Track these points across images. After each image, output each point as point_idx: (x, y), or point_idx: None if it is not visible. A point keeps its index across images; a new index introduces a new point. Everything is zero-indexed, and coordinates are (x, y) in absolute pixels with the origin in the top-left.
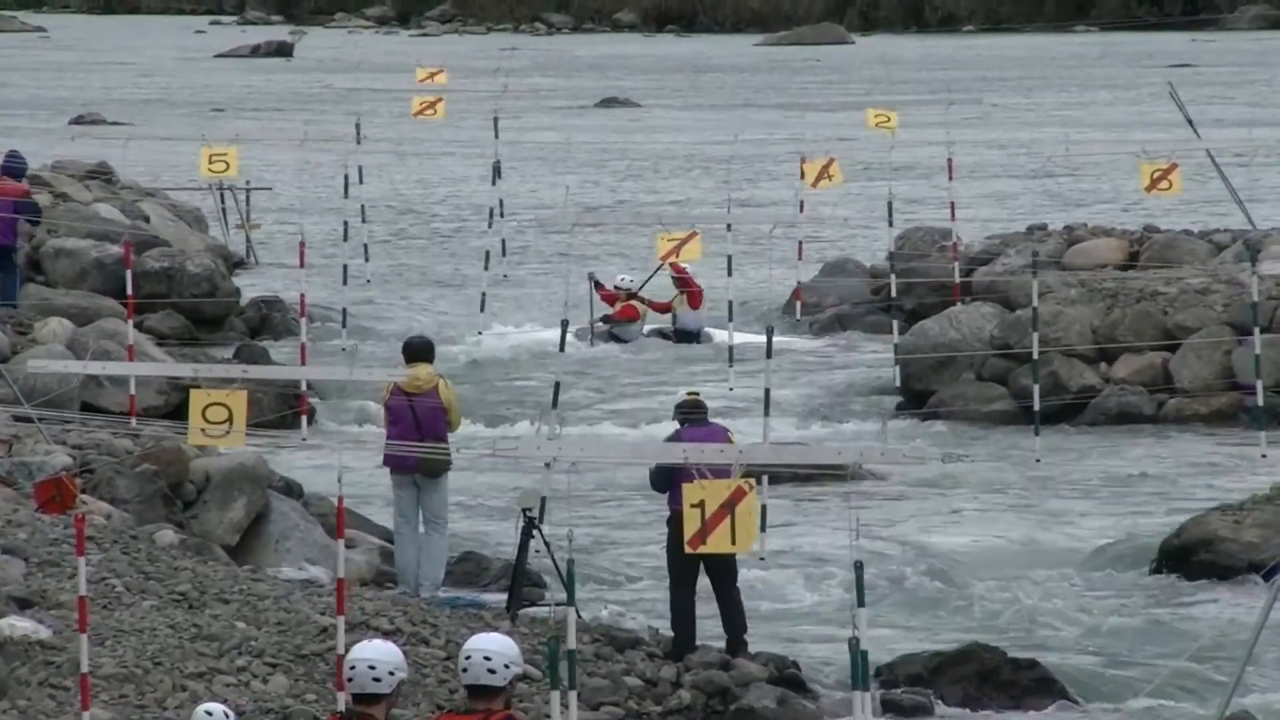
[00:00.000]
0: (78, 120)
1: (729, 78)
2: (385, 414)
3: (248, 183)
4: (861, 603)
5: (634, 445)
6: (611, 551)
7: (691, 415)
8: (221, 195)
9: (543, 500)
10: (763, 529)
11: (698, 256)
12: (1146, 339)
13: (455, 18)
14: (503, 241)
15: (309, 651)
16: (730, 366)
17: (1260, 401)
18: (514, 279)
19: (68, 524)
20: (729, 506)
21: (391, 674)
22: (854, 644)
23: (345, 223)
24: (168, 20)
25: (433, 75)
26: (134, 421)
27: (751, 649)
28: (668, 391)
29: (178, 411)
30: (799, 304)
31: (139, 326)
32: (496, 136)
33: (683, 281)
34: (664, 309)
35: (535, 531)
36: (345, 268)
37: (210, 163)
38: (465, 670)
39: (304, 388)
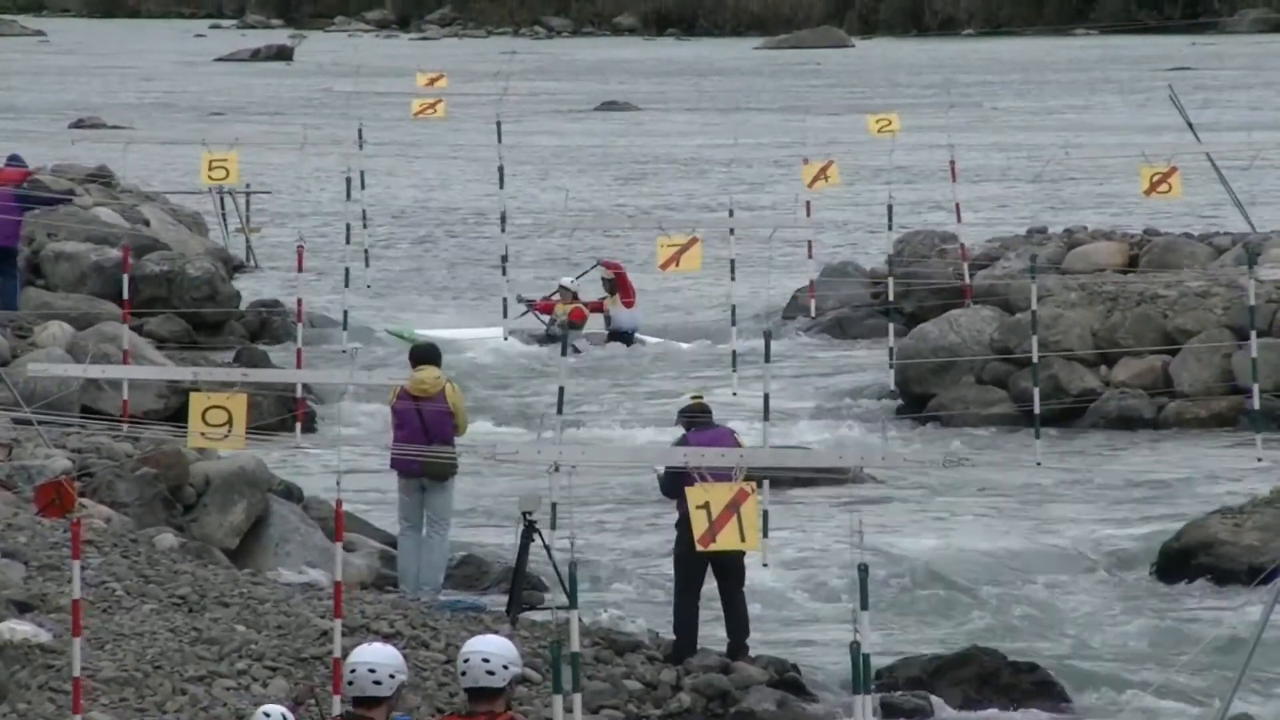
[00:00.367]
0: (78, 124)
1: (729, 81)
2: (391, 417)
3: (248, 186)
4: (864, 606)
5: (634, 449)
6: (611, 554)
7: (696, 419)
8: (221, 199)
9: (553, 506)
10: (764, 534)
11: (697, 266)
12: (1146, 342)
13: (455, 21)
14: (505, 247)
15: (309, 655)
16: (734, 372)
17: (1256, 405)
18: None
19: (67, 527)
20: (733, 507)
21: (392, 677)
22: (855, 647)
23: (348, 225)
24: (167, 24)
25: (433, 80)
26: (125, 428)
27: (752, 652)
28: (668, 395)
29: (178, 415)
30: (812, 301)
31: (139, 330)
32: (499, 141)
33: (619, 280)
34: (598, 308)
35: (535, 535)
36: (347, 270)
37: (210, 169)
38: (464, 673)
39: (299, 392)
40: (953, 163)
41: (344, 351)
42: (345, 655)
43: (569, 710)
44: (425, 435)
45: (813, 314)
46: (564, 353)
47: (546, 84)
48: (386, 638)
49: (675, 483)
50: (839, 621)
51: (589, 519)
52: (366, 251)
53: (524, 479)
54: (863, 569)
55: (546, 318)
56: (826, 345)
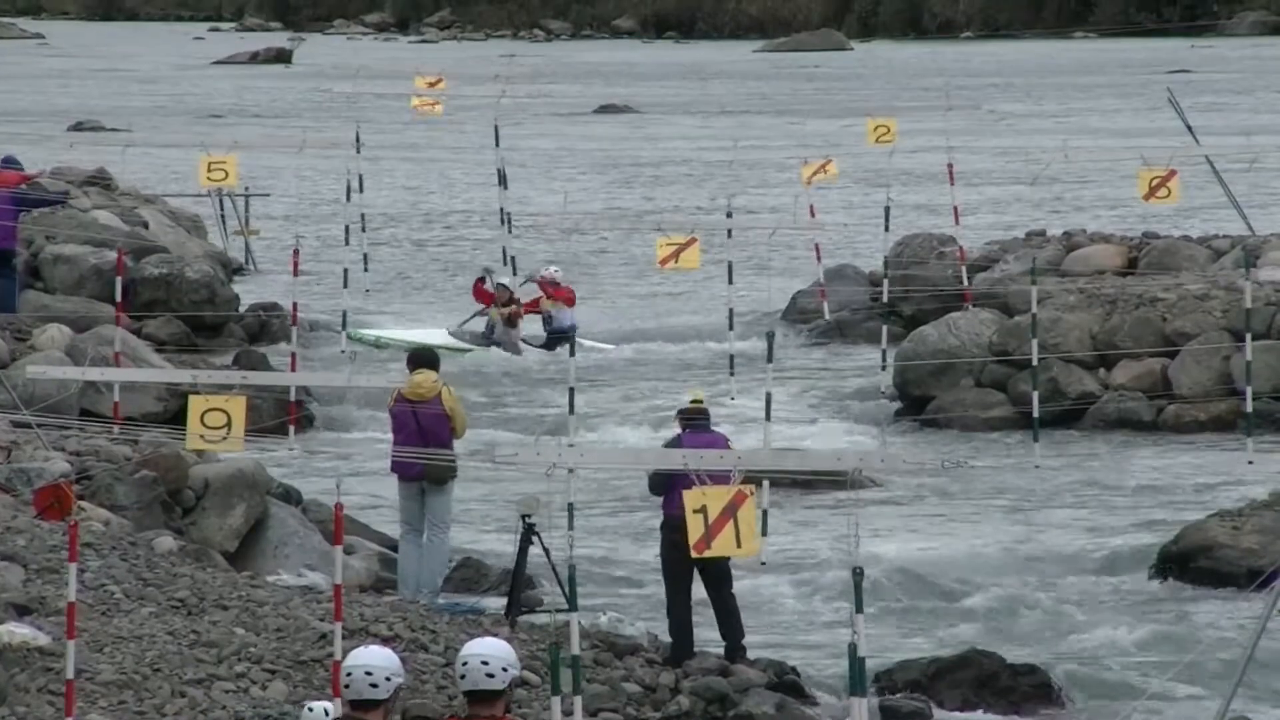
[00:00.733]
0: (76, 127)
1: (728, 84)
2: (390, 421)
3: (246, 189)
4: (860, 609)
5: (634, 451)
6: (610, 557)
7: (694, 421)
8: (220, 202)
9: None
10: (764, 533)
11: (696, 265)
12: (1145, 345)
13: (454, 24)
14: (503, 249)
15: (308, 658)
16: (731, 376)
17: (1250, 408)
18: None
19: (66, 530)
20: (730, 511)
21: (389, 680)
22: (851, 650)
23: (347, 227)
24: (166, 27)
25: (432, 84)
26: (117, 430)
27: (750, 654)
28: (668, 396)
29: (177, 418)
30: (825, 304)
31: (138, 333)
32: (498, 145)
33: (557, 292)
34: (534, 308)
35: (534, 537)
36: (346, 271)
37: (209, 171)
38: (464, 676)
39: (292, 396)
40: (950, 166)
41: (343, 352)
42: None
43: (568, 713)
44: (422, 439)
45: (826, 315)
46: (572, 353)
47: (545, 87)
48: (385, 640)
49: (662, 480)
50: (838, 624)
51: (589, 521)
52: (365, 255)
53: (525, 481)
54: (858, 572)
55: (483, 317)
56: (825, 347)
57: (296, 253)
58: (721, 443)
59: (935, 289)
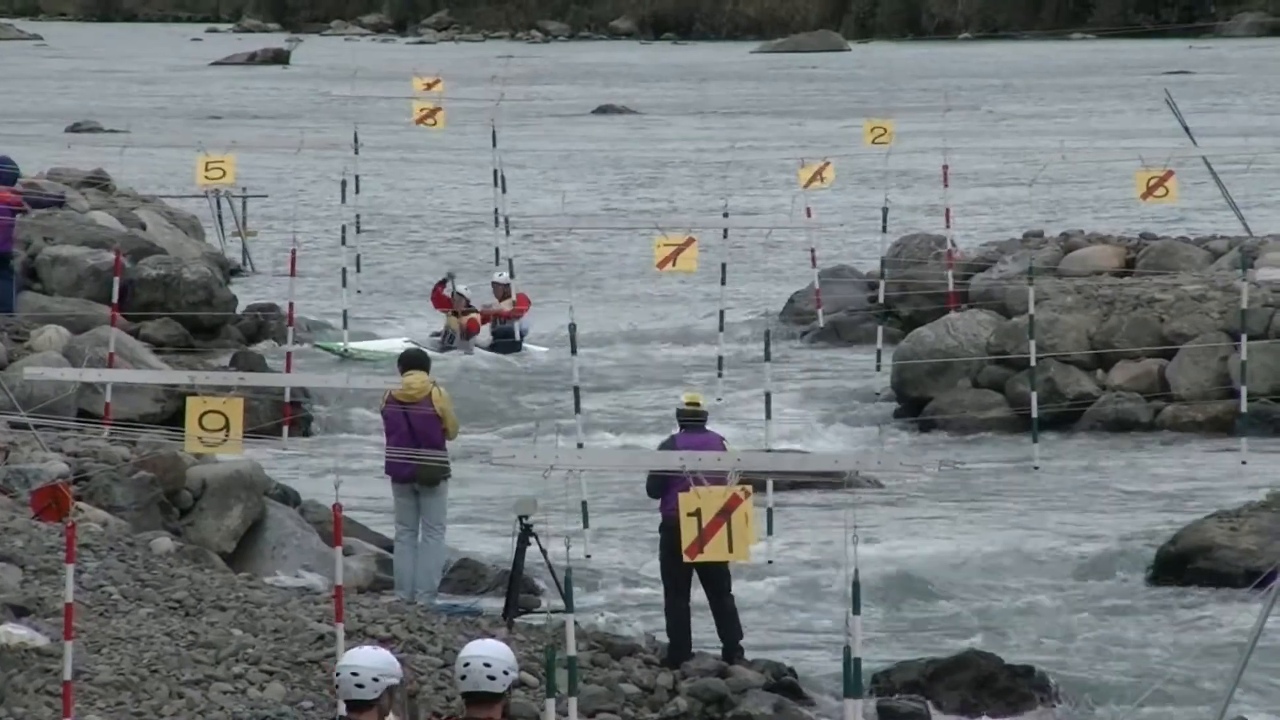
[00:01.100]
0: (74, 128)
1: (726, 85)
2: (382, 422)
3: (244, 190)
4: (856, 610)
5: (631, 453)
6: (609, 558)
7: (689, 422)
8: (218, 203)
9: (583, 504)
10: (770, 531)
11: (694, 267)
12: (1143, 345)
13: (452, 25)
14: (496, 250)
15: (305, 659)
16: (720, 377)
17: (1244, 408)
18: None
19: (64, 531)
20: (725, 514)
21: (376, 680)
22: (847, 652)
23: (344, 227)
24: (164, 28)
25: (430, 85)
26: (107, 431)
27: (748, 655)
28: (659, 397)
29: (175, 419)
30: (820, 310)
31: (135, 334)
32: (495, 145)
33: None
34: (509, 315)
35: (532, 538)
36: (344, 271)
37: (207, 170)
38: (464, 677)
39: (288, 397)
40: (945, 167)
41: (345, 351)
42: None
43: (564, 714)
44: (414, 440)
45: (821, 321)
46: (573, 351)
47: (543, 88)
48: (383, 641)
49: (659, 482)
50: (836, 625)
51: (589, 523)
52: (359, 256)
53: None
54: (854, 574)
55: (442, 324)
56: (823, 349)
57: (294, 253)
58: (716, 443)
59: (924, 290)
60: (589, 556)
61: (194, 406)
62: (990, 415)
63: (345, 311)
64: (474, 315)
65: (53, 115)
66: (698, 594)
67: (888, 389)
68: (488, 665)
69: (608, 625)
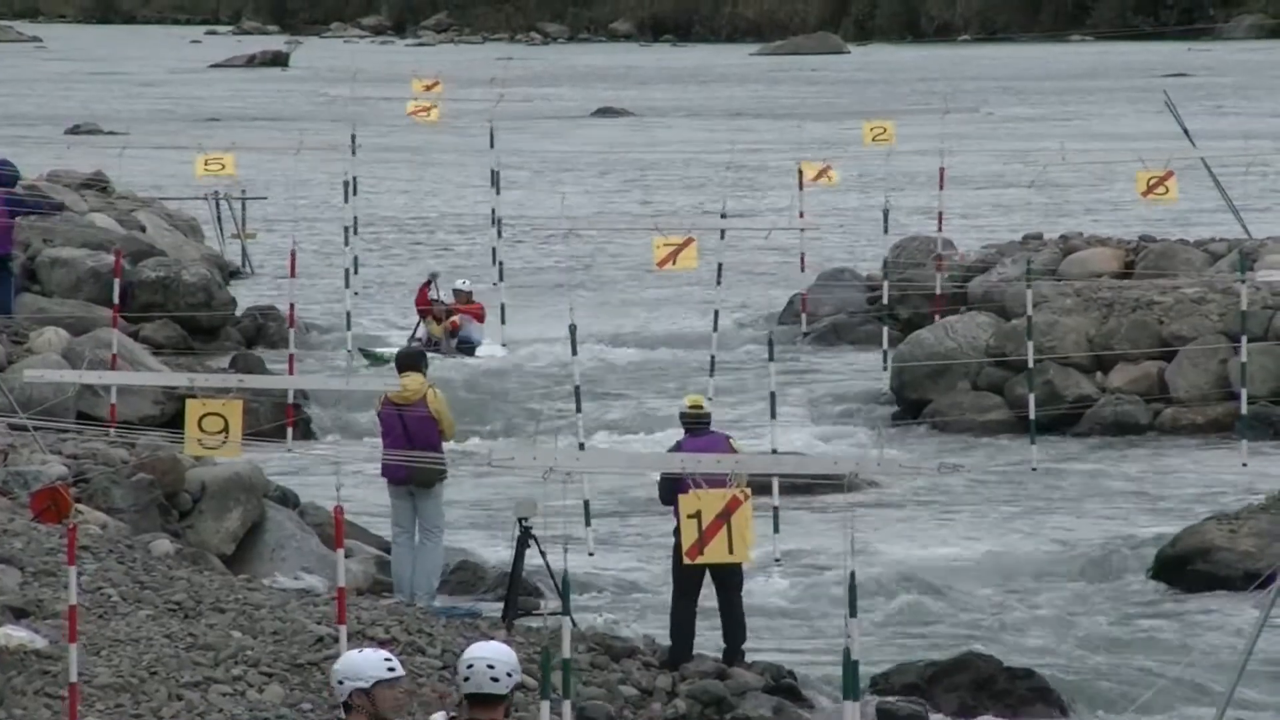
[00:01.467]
0: (74, 130)
1: (725, 87)
2: (379, 424)
3: (243, 192)
4: (854, 613)
5: (630, 455)
6: (608, 560)
7: (692, 424)
8: (217, 205)
9: (585, 503)
10: (776, 530)
11: (694, 265)
12: (1142, 348)
13: (451, 27)
14: (493, 249)
15: (305, 661)
16: (710, 377)
17: (1244, 410)
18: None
19: (63, 533)
20: (725, 516)
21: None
22: (846, 654)
23: (346, 229)
24: (164, 30)
25: (429, 87)
26: (111, 432)
27: (747, 658)
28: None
29: (174, 421)
30: (804, 315)
31: (135, 336)
32: (492, 146)
33: (469, 307)
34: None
35: (531, 541)
36: (347, 272)
37: (206, 165)
38: (467, 679)
39: (290, 399)
40: (942, 170)
41: (348, 351)
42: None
43: (559, 717)
44: (409, 442)
45: (804, 327)
46: (574, 352)
47: (542, 90)
48: (383, 643)
49: (671, 489)
50: (835, 627)
51: (586, 524)
52: (355, 258)
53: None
54: (852, 576)
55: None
56: (822, 351)
57: (294, 254)
58: (722, 443)
59: (922, 293)
60: (592, 554)
61: (193, 409)
62: (989, 417)
63: (349, 314)
64: (455, 317)
65: (52, 117)
66: (702, 598)
67: (888, 391)
68: (491, 667)
69: (606, 626)
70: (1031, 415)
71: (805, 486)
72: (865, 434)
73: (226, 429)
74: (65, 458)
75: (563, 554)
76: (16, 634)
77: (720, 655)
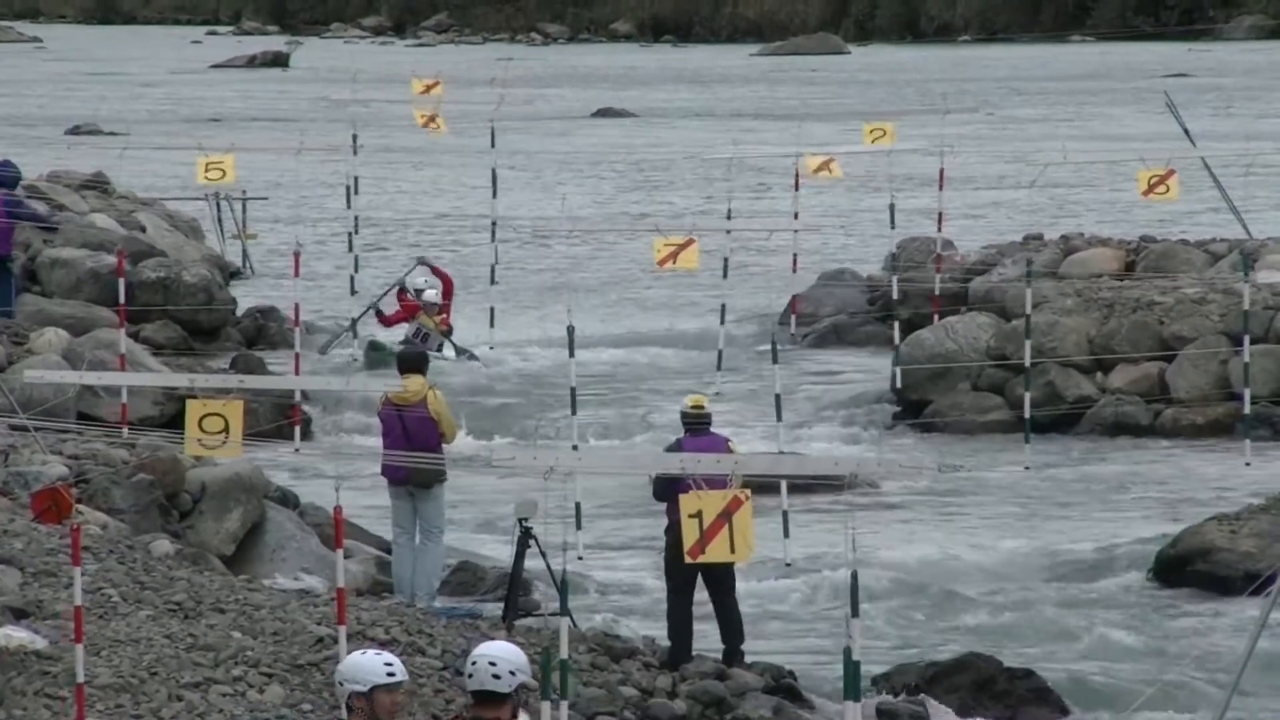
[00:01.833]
0: (74, 130)
1: (726, 88)
2: (379, 425)
3: (244, 193)
4: (855, 613)
5: (630, 456)
6: (609, 561)
7: (693, 424)
8: (218, 205)
9: (577, 505)
10: (785, 535)
11: (695, 265)
12: (1143, 349)
13: (451, 28)
14: (495, 250)
15: (305, 661)
16: (718, 370)
17: (1247, 410)
18: (509, 292)
19: (64, 534)
20: (726, 516)
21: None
22: (847, 654)
23: (350, 234)
24: (164, 31)
25: (429, 88)
26: (126, 431)
27: (748, 658)
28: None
29: (174, 421)
30: (794, 317)
31: (135, 337)
32: (493, 146)
33: (446, 288)
34: (413, 313)
35: (531, 541)
36: (352, 278)
37: (206, 170)
38: (471, 676)
39: (298, 398)
40: (941, 171)
41: (353, 359)
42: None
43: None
44: (409, 443)
45: (793, 328)
46: (571, 354)
47: (543, 91)
48: (383, 644)
49: (666, 486)
50: (835, 628)
51: (587, 525)
52: (356, 258)
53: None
54: (853, 576)
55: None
56: (823, 351)
57: (298, 255)
58: (721, 445)
59: (923, 293)
60: (580, 559)
61: (193, 409)
62: (990, 418)
63: (354, 320)
64: (444, 315)
65: (52, 118)
66: (700, 596)
67: (889, 393)
68: (493, 665)
69: (606, 626)
70: (1027, 414)
71: (806, 487)
72: (866, 435)
73: (227, 429)
74: (66, 458)
75: (562, 555)
76: (16, 634)
77: (721, 656)
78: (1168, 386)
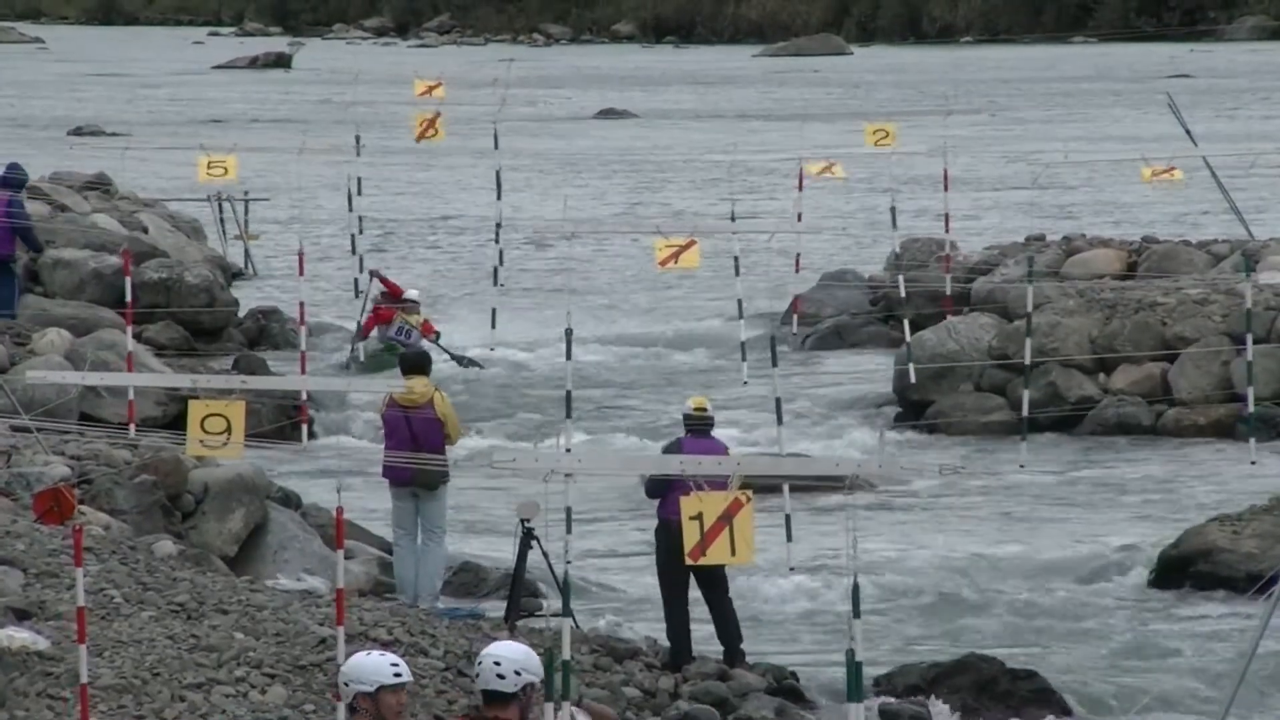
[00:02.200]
0: (76, 131)
1: (728, 89)
2: (383, 426)
3: (246, 193)
4: (857, 614)
5: (631, 457)
6: (610, 562)
7: (696, 426)
8: (220, 206)
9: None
10: (789, 539)
11: (696, 265)
12: (1145, 349)
13: (453, 29)
14: (500, 252)
15: (307, 662)
16: (743, 361)
17: (1251, 409)
18: (513, 293)
19: (66, 535)
20: (727, 518)
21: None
22: (849, 655)
23: (353, 235)
24: (166, 31)
25: (431, 89)
26: (133, 430)
27: (750, 659)
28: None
29: (176, 422)
30: (795, 317)
31: (138, 337)
32: (496, 147)
33: (391, 293)
34: (388, 318)
35: (534, 542)
36: (356, 281)
37: (209, 169)
38: (478, 675)
39: (304, 397)
40: (946, 171)
41: (359, 361)
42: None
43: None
44: (414, 444)
45: (795, 329)
46: (568, 356)
47: (545, 92)
48: (385, 645)
49: (658, 483)
50: (837, 629)
51: (589, 526)
52: (361, 258)
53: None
54: (855, 578)
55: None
56: (825, 352)
57: (301, 254)
58: (720, 450)
59: (927, 293)
60: (569, 562)
61: (195, 410)
62: (991, 419)
63: (359, 323)
64: (426, 318)
65: (55, 119)
66: (696, 595)
67: (891, 393)
68: (497, 664)
69: (609, 628)
70: (1024, 414)
71: (807, 488)
72: (867, 435)
73: (229, 430)
74: (68, 459)
75: (563, 555)
76: (19, 635)
77: (722, 656)
78: (1170, 387)
